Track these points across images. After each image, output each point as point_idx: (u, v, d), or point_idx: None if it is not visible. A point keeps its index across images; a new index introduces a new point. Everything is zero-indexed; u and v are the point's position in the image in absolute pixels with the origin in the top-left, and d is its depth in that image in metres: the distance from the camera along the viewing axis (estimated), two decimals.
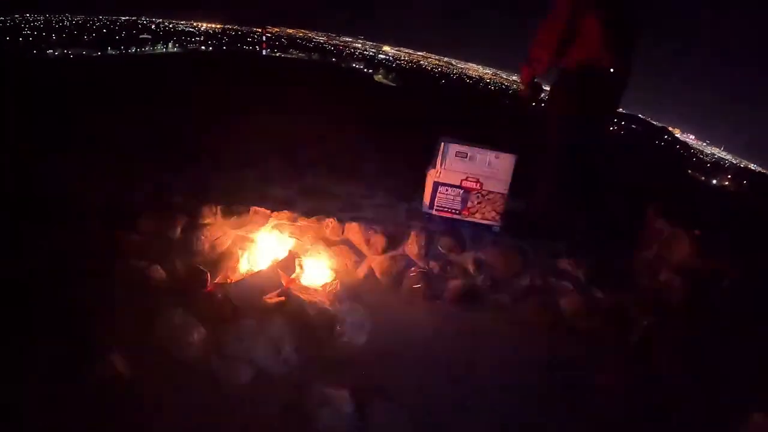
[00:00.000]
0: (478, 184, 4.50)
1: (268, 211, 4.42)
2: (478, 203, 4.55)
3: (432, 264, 4.52)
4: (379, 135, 7.25)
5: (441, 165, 4.47)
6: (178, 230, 4.26)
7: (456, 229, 4.62)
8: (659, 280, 4.34)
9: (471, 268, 4.54)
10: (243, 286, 3.86)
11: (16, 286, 3.49)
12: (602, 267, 4.55)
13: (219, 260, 4.18)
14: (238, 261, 4.19)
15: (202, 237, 4.28)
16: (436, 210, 4.59)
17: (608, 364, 3.96)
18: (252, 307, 3.72)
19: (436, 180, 4.51)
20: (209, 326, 3.44)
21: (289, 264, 4.09)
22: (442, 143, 4.43)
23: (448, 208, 4.59)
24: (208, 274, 3.89)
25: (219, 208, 4.33)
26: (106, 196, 4.30)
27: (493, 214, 4.59)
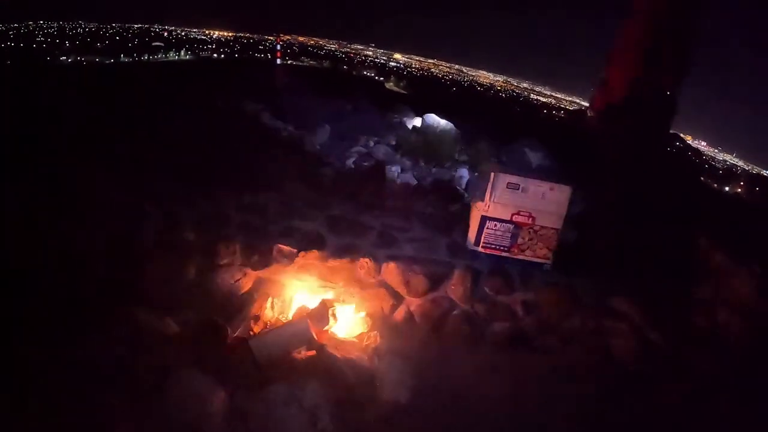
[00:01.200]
0: (531, 219, 4.00)
1: (294, 250, 3.92)
2: (530, 239, 4.06)
3: (477, 306, 4.06)
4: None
5: (490, 197, 3.96)
6: (192, 273, 3.77)
7: (504, 268, 4.14)
8: (717, 320, 4.02)
9: (519, 310, 4.10)
10: (268, 341, 3.36)
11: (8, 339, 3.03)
12: (656, 305, 4.13)
13: (240, 307, 3.69)
14: (261, 308, 3.70)
15: (220, 280, 3.80)
16: (482, 247, 4.09)
17: (663, 412, 3.59)
18: (279, 365, 3.24)
19: (484, 214, 4.01)
20: (230, 389, 2.96)
21: (320, 314, 3.60)
22: (492, 173, 3.91)
23: (496, 245, 4.09)
24: (228, 328, 3.38)
25: (238, 246, 3.84)
26: (108, 234, 3.80)
27: (545, 251, 4.10)
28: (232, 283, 3.83)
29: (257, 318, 3.63)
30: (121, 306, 3.46)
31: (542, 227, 4.05)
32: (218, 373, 3.04)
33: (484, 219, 4.03)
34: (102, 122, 5.62)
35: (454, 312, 4.07)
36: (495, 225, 4.04)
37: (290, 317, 3.73)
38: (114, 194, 4.20)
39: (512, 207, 3.99)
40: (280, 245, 3.91)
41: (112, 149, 4.88)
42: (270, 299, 3.76)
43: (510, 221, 4.02)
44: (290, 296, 3.87)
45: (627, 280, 4.29)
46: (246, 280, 3.87)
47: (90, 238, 3.78)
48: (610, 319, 4.09)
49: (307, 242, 4.01)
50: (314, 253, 3.93)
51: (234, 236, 3.94)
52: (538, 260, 4.16)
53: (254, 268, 3.90)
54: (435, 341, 3.97)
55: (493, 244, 4.10)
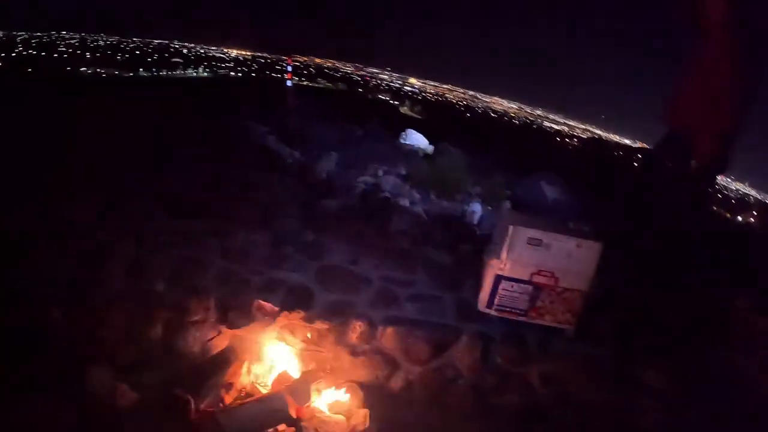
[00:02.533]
0: (553, 280, 3.47)
1: (277, 309, 3.42)
2: (551, 302, 3.55)
3: (487, 377, 3.56)
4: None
5: (507, 255, 3.44)
6: (159, 328, 3.29)
7: (519, 334, 3.64)
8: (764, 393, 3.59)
9: (536, 382, 3.58)
10: (240, 416, 2.90)
11: None
12: (692, 377, 3.64)
13: (211, 371, 3.18)
14: (236, 373, 3.20)
15: (190, 339, 3.31)
16: (496, 309, 3.57)
17: None
18: None
19: (499, 273, 3.49)
20: None
21: (302, 387, 3.09)
22: (510, 227, 3.40)
23: (512, 308, 3.57)
24: (192, 401, 2.88)
25: (213, 301, 3.35)
26: (68, 277, 3.34)
27: (568, 315, 3.59)
28: (204, 343, 3.33)
29: (230, 385, 3.13)
30: (74, 361, 3.02)
31: (566, 289, 3.52)
32: None
33: (499, 278, 3.51)
34: (91, 140, 5.26)
35: (460, 383, 3.55)
36: (511, 285, 3.52)
37: (269, 384, 3.23)
38: (78, 228, 3.77)
39: (532, 266, 3.47)
40: (260, 302, 3.42)
41: (89, 172, 4.49)
42: (246, 363, 3.26)
43: (529, 281, 3.50)
44: (270, 360, 3.37)
45: (657, 347, 3.80)
46: (220, 339, 3.38)
47: (49, 279, 3.34)
48: (640, 394, 3.58)
49: (293, 298, 3.52)
50: (299, 313, 3.42)
51: (210, 288, 3.45)
52: (560, 326, 3.63)
53: (230, 326, 3.42)
54: (437, 416, 3.45)
55: (507, 307, 3.58)
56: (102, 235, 3.74)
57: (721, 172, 4.38)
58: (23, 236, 3.59)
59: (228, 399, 3.08)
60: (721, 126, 4.06)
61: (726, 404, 3.55)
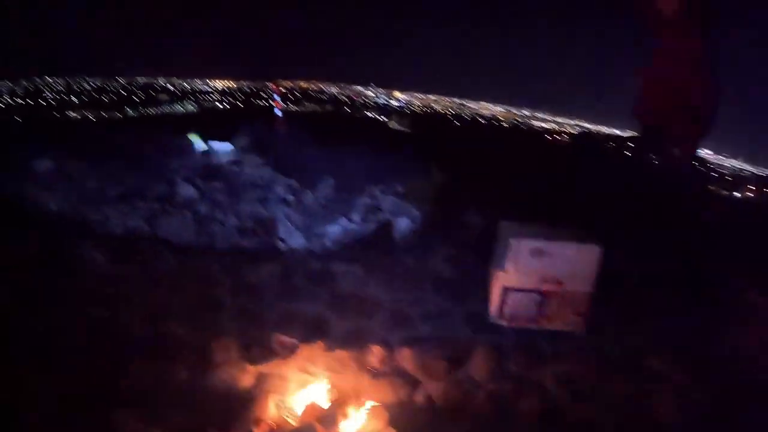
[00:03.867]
0: (558, 285, 3.59)
1: (296, 341, 3.52)
2: (558, 307, 3.66)
3: (503, 384, 3.61)
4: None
5: (512, 267, 3.56)
6: (183, 372, 3.38)
7: (531, 339, 3.73)
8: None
9: (550, 383, 3.64)
10: None
11: None
12: (699, 361, 3.74)
13: (239, 410, 3.25)
14: (264, 409, 3.27)
15: (215, 379, 3.39)
16: (506, 319, 3.69)
17: None
18: None
19: (505, 284, 3.61)
20: None
21: (329, 415, 3.18)
22: (512, 240, 3.52)
23: (521, 316, 3.71)
24: None
25: (234, 341, 3.45)
26: (88, 325, 3.43)
27: (575, 317, 3.70)
28: (229, 382, 3.42)
29: (259, 421, 3.20)
30: (103, 407, 3.09)
31: (571, 292, 3.64)
32: None
33: (506, 290, 3.64)
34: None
35: (479, 393, 3.60)
36: (519, 295, 3.64)
37: (297, 415, 3.33)
38: (94, 270, 3.89)
39: (537, 274, 3.61)
40: (279, 336, 3.51)
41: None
42: (272, 398, 3.35)
43: (536, 290, 3.62)
44: (295, 392, 3.46)
45: (662, 334, 3.93)
46: (245, 377, 3.46)
47: (69, 328, 3.44)
48: (649, 381, 3.67)
49: (310, 330, 3.62)
50: (319, 344, 3.53)
51: (229, 328, 3.55)
52: (569, 328, 3.74)
53: (253, 363, 3.50)
54: (460, 428, 3.50)
55: (517, 316, 3.70)
56: (114, 277, 3.85)
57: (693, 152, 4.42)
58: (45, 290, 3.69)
59: None
60: (691, 113, 4.20)
61: (731, 381, 3.64)
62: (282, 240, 4.83)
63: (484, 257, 4.20)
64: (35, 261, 4.11)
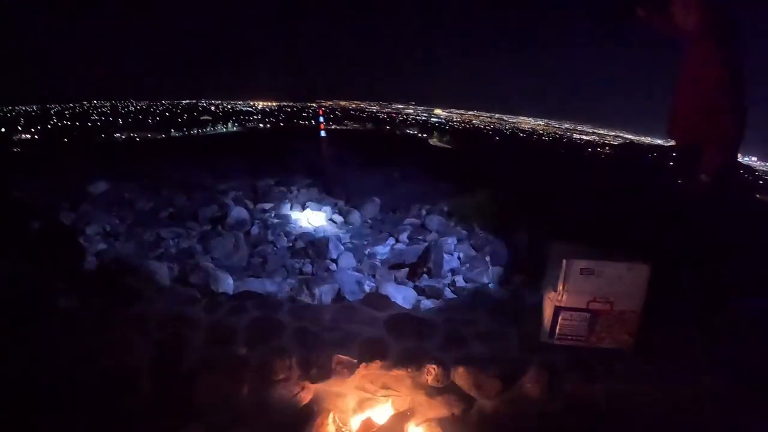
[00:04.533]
0: (608, 305, 3.64)
1: (355, 360, 3.63)
2: (608, 326, 3.70)
3: (556, 403, 3.66)
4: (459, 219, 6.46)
5: (563, 287, 3.62)
6: (246, 389, 3.51)
7: (582, 358, 3.75)
8: None
9: (602, 402, 3.67)
10: None
11: None
12: (752, 380, 3.65)
13: (299, 425, 3.40)
14: (323, 424, 3.41)
15: (277, 396, 3.53)
16: (557, 339, 3.73)
17: None
18: None
19: (557, 305, 3.67)
20: None
21: (389, 431, 3.29)
22: (563, 260, 3.59)
23: (572, 336, 3.73)
24: None
25: (294, 360, 3.57)
26: (154, 348, 3.59)
27: (626, 336, 3.73)
28: (291, 399, 3.55)
29: None
30: (172, 426, 3.25)
31: (621, 311, 3.68)
32: None
33: (557, 310, 3.69)
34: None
35: (531, 411, 3.67)
36: (570, 315, 3.69)
37: None
38: (155, 300, 4.05)
39: (588, 294, 3.65)
40: (339, 356, 3.63)
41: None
42: (332, 414, 3.48)
43: (586, 309, 3.67)
44: (353, 409, 3.58)
45: (714, 353, 3.87)
46: (305, 394, 3.60)
47: (135, 352, 3.60)
48: (701, 399, 3.64)
49: (368, 350, 3.72)
50: (377, 363, 3.63)
51: (289, 347, 3.67)
52: (619, 346, 3.78)
53: (313, 381, 3.62)
54: None
55: (568, 335, 3.75)
56: (174, 297, 4.01)
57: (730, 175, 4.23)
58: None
59: None
60: (721, 132, 4.03)
61: None
62: (334, 261, 4.96)
63: (533, 277, 4.26)
64: (93, 281, 4.28)
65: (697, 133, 4.12)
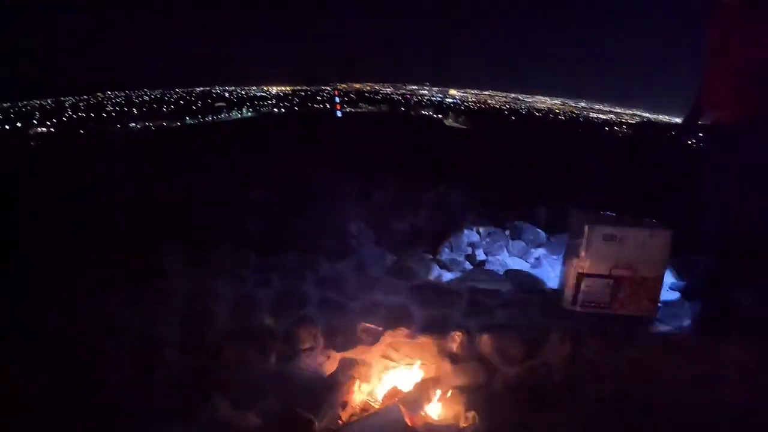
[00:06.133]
0: (631, 271, 3.64)
1: (380, 328, 3.66)
2: (631, 293, 3.70)
3: (580, 370, 3.67)
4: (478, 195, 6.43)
5: (585, 253, 3.63)
6: (272, 359, 3.56)
7: (605, 325, 3.75)
8: None
9: (626, 369, 3.66)
10: (360, 431, 3.08)
11: None
12: None
13: (325, 393, 3.41)
14: (349, 392, 3.43)
15: (302, 365, 3.57)
16: (581, 306, 3.74)
17: None
18: None
19: (579, 271, 3.68)
20: None
21: (414, 397, 3.31)
22: (586, 226, 3.59)
23: (595, 303, 3.74)
24: (313, 419, 3.14)
25: (319, 329, 3.62)
26: (180, 320, 3.64)
27: (648, 303, 3.73)
28: (316, 368, 3.59)
29: (345, 404, 3.37)
30: (198, 396, 3.29)
31: (644, 278, 3.68)
32: None
33: (580, 276, 3.70)
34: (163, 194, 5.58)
35: (555, 378, 3.68)
36: (593, 281, 3.70)
37: (380, 400, 3.48)
38: (180, 273, 4.10)
39: (610, 260, 3.65)
40: (364, 324, 3.67)
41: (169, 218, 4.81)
42: (357, 382, 3.51)
43: (609, 275, 3.68)
44: (379, 377, 3.61)
45: (734, 320, 3.86)
46: (330, 363, 3.64)
47: (161, 324, 3.65)
48: (721, 367, 3.64)
49: (393, 318, 3.76)
50: (402, 330, 3.67)
51: (315, 317, 3.72)
52: (642, 313, 3.78)
53: (338, 350, 3.67)
54: (536, 412, 3.59)
55: (591, 302, 3.75)
56: (199, 278, 4.05)
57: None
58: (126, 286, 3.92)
59: (345, 416, 3.31)
60: (751, 105, 3.73)
61: None
62: (355, 237, 4.98)
63: (555, 247, 4.26)
64: (116, 260, 4.32)
65: (728, 106, 3.92)
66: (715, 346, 3.70)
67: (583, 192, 6.03)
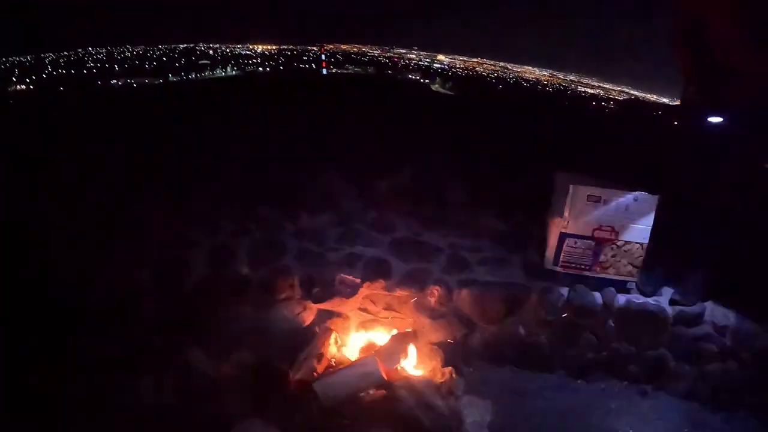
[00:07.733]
0: (614, 234, 3.60)
1: (358, 280, 3.61)
2: (613, 256, 3.66)
3: (557, 332, 3.71)
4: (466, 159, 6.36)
5: (568, 213, 3.58)
6: (248, 309, 3.51)
7: (585, 289, 3.73)
8: None
9: (603, 333, 3.71)
10: (334, 383, 3.08)
11: None
12: (749, 325, 3.66)
13: (301, 345, 3.39)
14: (325, 344, 3.40)
15: (279, 316, 3.52)
16: (561, 266, 3.71)
17: None
18: (346, 409, 2.99)
19: (562, 231, 3.63)
20: None
21: (391, 350, 3.29)
22: (570, 186, 3.54)
23: (577, 264, 3.70)
24: (289, 370, 3.11)
25: (297, 279, 3.56)
26: (155, 270, 3.56)
27: (630, 268, 3.69)
28: (292, 319, 3.54)
29: (321, 356, 3.33)
30: (172, 348, 3.26)
31: (626, 242, 3.65)
32: (282, 421, 2.82)
33: (563, 236, 3.66)
34: (144, 148, 5.47)
35: (533, 338, 3.72)
36: (575, 242, 3.66)
37: (356, 353, 3.45)
38: (157, 224, 4.01)
39: (593, 222, 3.61)
40: (342, 275, 3.62)
41: (151, 174, 4.71)
42: (334, 334, 3.48)
43: (591, 237, 3.64)
44: (355, 329, 3.59)
45: (720, 290, 3.84)
46: (307, 314, 3.60)
47: (136, 274, 3.57)
48: (701, 339, 3.71)
49: (372, 270, 3.71)
50: (380, 283, 3.63)
51: (292, 267, 3.66)
52: (623, 278, 3.76)
53: (315, 301, 3.63)
54: (513, 372, 3.69)
55: (573, 263, 3.72)
56: (178, 227, 3.96)
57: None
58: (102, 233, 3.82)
59: (320, 368, 3.28)
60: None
61: None
62: (336, 192, 4.90)
63: (538, 209, 4.21)
64: (93, 212, 4.23)
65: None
66: (692, 319, 3.74)
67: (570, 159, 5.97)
